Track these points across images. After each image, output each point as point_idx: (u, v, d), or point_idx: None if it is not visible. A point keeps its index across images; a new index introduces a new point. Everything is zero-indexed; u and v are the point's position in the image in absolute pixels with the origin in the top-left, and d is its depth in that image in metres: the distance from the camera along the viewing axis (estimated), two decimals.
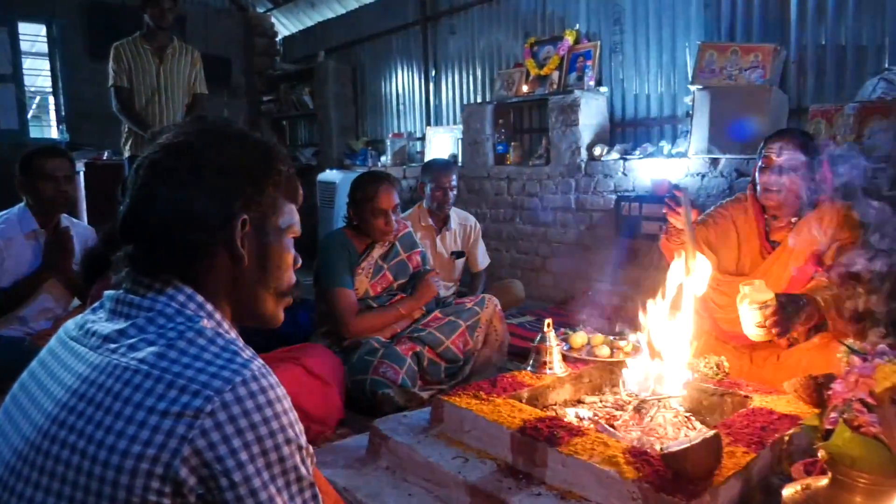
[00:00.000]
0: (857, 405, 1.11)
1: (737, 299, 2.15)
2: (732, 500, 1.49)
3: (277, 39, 8.34)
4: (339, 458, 2.00)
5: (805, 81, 3.83)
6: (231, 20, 7.90)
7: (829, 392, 1.19)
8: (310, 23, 7.98)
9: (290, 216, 0.99)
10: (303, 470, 0.83)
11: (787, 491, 1.24)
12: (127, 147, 4.19)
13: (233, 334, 0.92)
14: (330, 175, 6.34)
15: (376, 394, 2.51)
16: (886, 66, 3.51)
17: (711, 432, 1.48)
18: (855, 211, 2.27)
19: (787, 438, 1.50)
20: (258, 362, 0.83)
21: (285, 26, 8.34)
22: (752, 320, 2.10)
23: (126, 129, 4.18)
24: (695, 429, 1.86)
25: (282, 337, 2.69)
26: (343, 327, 2.79)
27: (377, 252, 2.95)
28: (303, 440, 0.84)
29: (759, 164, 2.39)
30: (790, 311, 2.06)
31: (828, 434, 1.17)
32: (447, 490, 1.70)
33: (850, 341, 1.34)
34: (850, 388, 1.14)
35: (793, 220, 2.38)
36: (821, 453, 1.18)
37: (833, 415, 1.17)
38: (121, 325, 0.87)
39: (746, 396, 1.98)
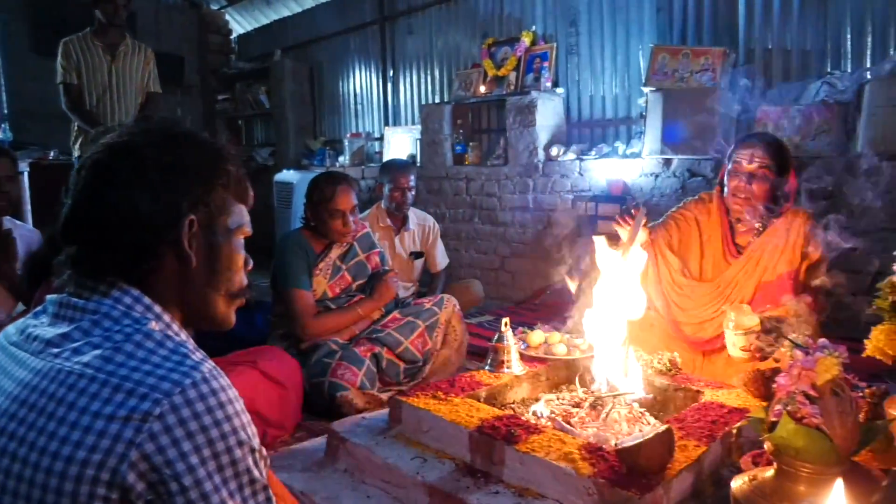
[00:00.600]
0: (800, 397, 1.16)
1: (723, 323, 2.19)
2: (684, 493, 1.53)
3: (232, 37, 8.20)
4: (297, 461, 1.98)
5: (753, 84, 3.94)
6: (184, 17, 7.73)
7: (775, 385, 1.23)
8: (265, 21, 7.87)
9: (240, 217, 0.98)
10: (256, 472, 0.82)
11: (736, 482, 1.28)
12: (76, 146, 4.06)
13: (183, 336, 0.90)
14: (287, 175, 6.27)
15: (335, 396, 2.49)
16: (829, 70, 3.65)
17: (664, 427, 1.51)
18: (817, 222, 2.33)
19: (734, 431, 1.54)
20: (209, 364, 0.82)
21: (240, 24, 8.20)
22: (736, 344, 2.16)
23: (75, 128, 4.05)
24: (649, 424, 1.89)
25: (238, 340, 2.65)
26: (300, 329, 2.76)
27: (335, 253, 2.93)
28: (256, 442, 0.83)
29: (729, 167, 2.40)
30: (773, 336, 2.11)
31: (773, 426, 1.21)
32: (406, 491, 1.69)
33: (793, 336, 1.39)
34: (793, 381, 1.18)
35: (757, 225, 2.41)
36: (767, 445, 1.22)
37: (778, 407, 1.21)
38: (64, 328, 0.84)
39: (698, 391, 2.03)
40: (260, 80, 7.45)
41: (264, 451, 0.86)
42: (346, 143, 6.44)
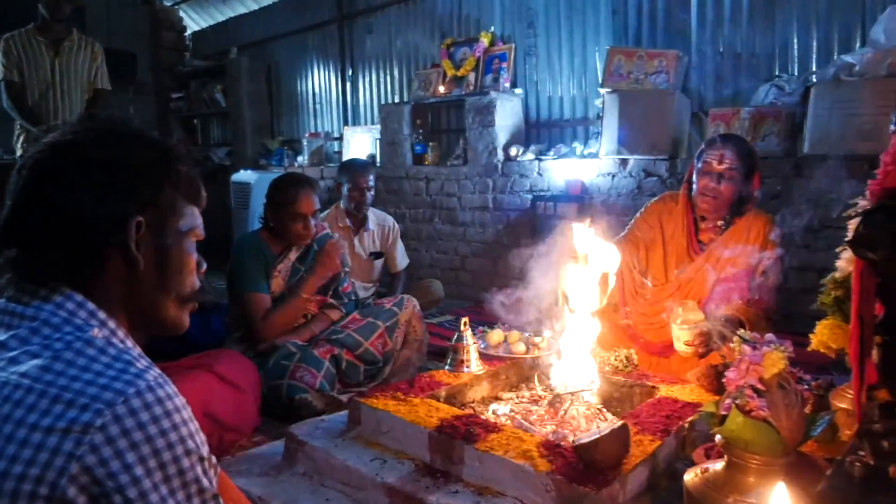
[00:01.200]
0: (748, 391, 1.19)
1: (671, 318, 2.25)
2: (640, 486, 1.55)
3: (186, 35, 8.03)
4: (255, 466, 1.95)
5: (706, 86, 4.05)
6: (135, 13, 7.53)
7: (725, 380, 1.27)
8: (221, 18, 7.73)
9: (192, 218, 0.95)
10: (204, 482, 0.80)
11: (688, 475, 1.31)
12: (19, 145, 3.93)
13: (129, 343, 0.87)
14: (244, 175, 6.17)
15: (294, 399, 2.46)
16: (777, 73, 3.77)
17: (619, 423, 1.54)
18: (777, 226, 2.43)
19: (687, 425, 1.58)
20: (154, 372, 0.80)
21: (195, 21, 8.04)
22: (681, 338, 2.23)
23: (18, 127, 3.92)
24: (606, 420, 1.93)
25: (193, 343, 2.60)
26: (256, 332, 2.72)
27: (294, 254, 2.89)
28: (204, 451, 0.81)
29: (699, 166, 2.46)
30: (718, 334, 2.17)
31: (724, 420, 1.24)
32: (365, 492, 1.68)
33: (742, 331, 1.43)
34: (742, 375, 1.21)
35: (719, 223, 2.49)
36: (717, 438, 1.25)
37: (727, 401, 1.24)
38: (1, 337, 0.81)
39: (653, 387, 2.07)
40: (216, 78, 7.31)
41: (214, 460, 0.84)
42: (304, 142, 6.38)
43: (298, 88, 6.83)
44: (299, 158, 6.40)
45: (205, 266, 0.97)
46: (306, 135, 6.50)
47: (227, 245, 6.06)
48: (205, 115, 7.70)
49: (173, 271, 0.93)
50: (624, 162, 4.03)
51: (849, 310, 1.31)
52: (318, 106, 6.68)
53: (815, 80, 3.43)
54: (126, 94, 6.82)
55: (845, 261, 1.45)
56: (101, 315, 0.85)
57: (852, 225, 1.25)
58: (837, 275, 1.47)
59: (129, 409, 0.74)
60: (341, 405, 2.45)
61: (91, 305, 0.85)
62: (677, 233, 2.56)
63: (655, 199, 2.72)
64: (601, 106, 4.10)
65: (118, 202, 0.85)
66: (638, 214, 2.72)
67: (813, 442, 1.61)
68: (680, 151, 3.88)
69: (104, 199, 0.84)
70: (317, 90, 6.65)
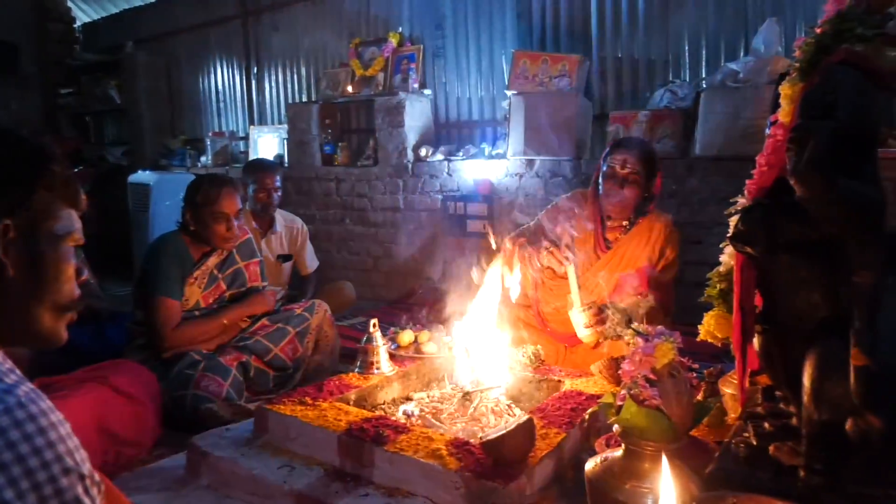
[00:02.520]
0: (641, 381, 1.26)
1: (567, 309, 2.33)
2: (546, 478, 1.61)
3: (76, 26, 7.55)
4: (155, 481, 1.87)
5: (606, 90, 4.22)
6: (18, 1, 7.01)
7: (621, 371, 1.33)
8: (115, 10, 7.33)
9: (69, 222, 0.90)
10: (87, 501, 0.75)
11: (589, 464, 1.37)
12: None
13: None
14: (143, 176, 5.87)
15: (199, 410, 2.36)
16: (671, 78, 3.98)
17: (525, 417, 1.58)
18: (675, 227, 2.57)
19: (587, 417, 1.65)
20: (25, 387, 0.75)
21: (85, 12, 7.58)
22: (580, 322, 2.31)
23: None
24: (514, 416, 1.97)
25: (86, 355, 2.45)
26: (160, 340, 2.59)
27: (213, 261, 2.77)
28: (86, 468, 0.77)
29: (604, 169, 2.56)
30: (618, 317, 2.28)
31: (620, 409, 1.30)
32: (273, 501, 1.65)
33: (636, 324, 1.50)
34: (635, 366, 1.28)
35: (624, 223, 2.60)
36: (615, 427, 1.31)
37: (622, 392, 1.30)
38: None
39: (559, 381, 2.15)
40: (110, 73, 6.91)
41: (97, 477, 0.79)
42: (208, 142, 6.15)
43: (201, 86, 6.58)
44: (203, 159, 6.17)
45: (86, 273, 0.92)
46: (210, 134, 6.27)
47: (125, 250, 5.80)
48: (98, 112, 7.27)
49: (49, 278, 0.87)
50: (530, 162, 4.14)
51: (732, 301, 1.40)
52: (222, 104, 6.46)
53: (704, 85, 3.65)
54: (6, 87, 6.34)
55: (728, 255, 1.56)
56: None
57: (732, 222, 1.34)
58: (721, 269, 1.57)
59: None
60: (249, 414, 2.38)
61: None
62: (586, 231, 2.66)
63: (567, 195, 2.81)
64: (508, 108, 4.19)
65: None
66: (550, 207, 2.78)
67: (704, 426, 1.73)
68: (584, 152, 4.02)
69: None
70: (220, 88, 6.43)
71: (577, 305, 2.35)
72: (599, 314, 2.32)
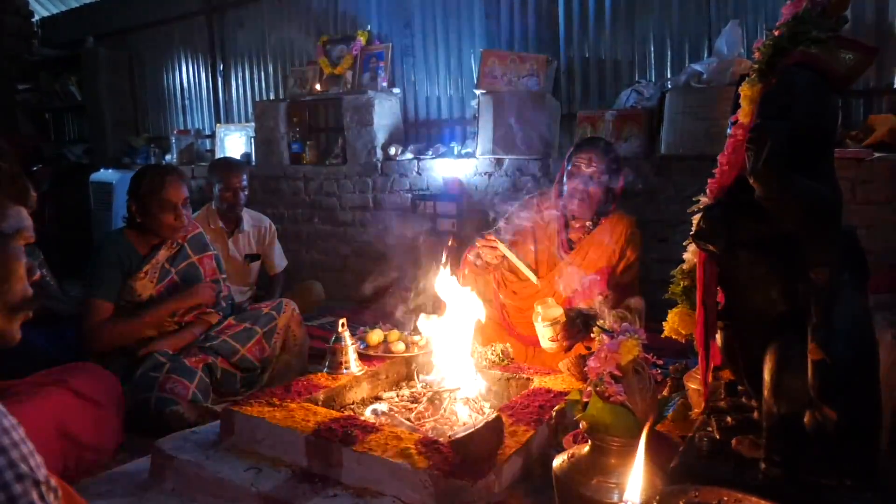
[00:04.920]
0: (607, 378, 1.27)
1: (532, 317, 2.35)
2: (515, 475, 1.62)
3: (34, 20, 7.34)
4: (118, 486, 1.83)
5: (574, 90, 4.26)
6: None
7: (587, 368, 1.35)
8: (75, 4, 7.14)
9: (18, 220, 0.88)
10: None
11: (557, 461, 1.38)
12: None
13: None
14: (105, 175, 5.76)
15: (163, 412, 2.33)
16: (637, 78, 4.04)
17: (493, 415, 1.59)
18: (637, 228, 2.60)
19: (554, 414, 1.66)
20: None
21: (43, 6, 7.37)
22: (545, 335, 2.32)
23: None
24: (484, 414, 1.98)
25: (45, 358, 2.39)
26: (84, 342, 2.54)
27: (163, 254, 2.72)
28: (41, 474, 0.75)
29: (569, 168, 2.58)
30: (579, 325, 2.30)
31: (587, 406, 1.32)
32: None
33: (601, 322, 1.52)
34: (601, 363, 1.30)
35: (588, 224, 2.62)
36: (581, 424, 1.32)
37: (588, 388, 1.32)
38: None
39: (528, 378, 2.16)
40: (70, 69, 6.73)
41: (53, 483, 0.77)
42: (173, 140, 6.05)
43: (165, 82, 6.46)
44: (167, 157, 6.06)
45: (38, 273, 0.90)
46: (175, 132, 6.17)
47: (86, 250, 5.67)
48: (58, 108, 7.08)
49: None
50: (499, 161, 4.16)
51: (695, 298, 1.43)
52: (187, 101, 6.35)
53: (669, 86, 3.71)
54: None
55: (691, 253, 1.58)
56: None
57: (695, 220, 1.36)
58: (685, 266, 1.60)
59: None
60: (216, 416, 2.35)
61: None
62: (549, 231, 2.67)
63: (533, 195, 2.82)
64: (477, 107, 4.21)
65: None
66: (515, 207, 2.80)
67: (668, 421, 1.76)
68: (552, 151, 4.06)
69: None
70: (185, 85, 6.32)
71: (537, 310, 2.34)
72: (565, 329, 2.32)
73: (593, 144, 2.63)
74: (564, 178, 2.60)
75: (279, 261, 3.93)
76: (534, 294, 2.60)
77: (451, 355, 2.12)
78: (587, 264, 2.56)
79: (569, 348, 2.34)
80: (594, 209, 2.58)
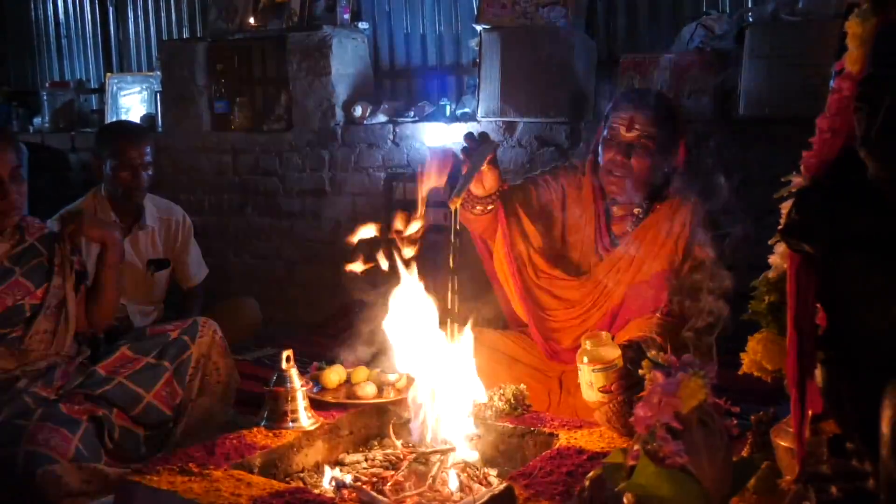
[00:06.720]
0: (661, 432, 1.28)
1: (577, 356, 2.32)
2: None
3: None
4: None
5: (616, 25, 4.28)
6: None
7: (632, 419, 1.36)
8: None
9: None
10: None
11: None
12: None
13: None
14: None
15: (34, 473, 2.33)
16: (705, 9, 4.06)
17: (502, 486, 1.60)
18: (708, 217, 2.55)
19: (587, 483, 1.67)
20: None
21: None
22: (594, 383, 2.19)
23: None
24: (489, 484, 1.99)
25: None
26: None
27: (2, 249, 2.73)
28: None
29: (605, 133, 2.57)
30: (638, 367, 2.26)
31: (633, 471, 1.33)
32: None
33: (652, 353, 1.54)
34: (653, 411, 1.31)
35: (636, 210, 2.62)
36: (626, 497, 1.34)
37: (636, 447, 1.33)
38: None
39: (551, 434, 2.17)
40: None
41: None
42: (44, 96, 6.09)
43: (33, 16, 6.50)
44: (36, 120, 6.12)
45: None
46: (47, 85, 6.24)
47: None
48: None
49: None
50: (510, 126, 4.17)
51: (786, 320, 1.44)
52: (64, 41, 6.41)
53: (750, 19, 3.73)
54: None
55: (780, 256, 1.60)
56: None
57: (785, 209, 1.38)
58: (771, 274, 1.61)
59: None
60: (108, 482, 2.35)
61: None
62: (584, 221, 2.67)
63: (563, 164, 2.85)
64: (478, 49, 4.22)
65: None
66: (536, 174, 2.82)
67: (749, 493, 1.77)
68: (585, 111, 4.07)
69: None
70: (63, 19, 6.36)
71: (585, 346, 2.27)
72: (622, 378, 2.22)
73: (640, 100, 2.61)
74: (600, 148, 2.60)
75: (196, 269, 3.93)
76: (563, 289, 2.62)
77: (442, 401, 2.13)
78: (634, 267, 2.57)
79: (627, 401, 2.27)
80: (641, 190, 2.58)
